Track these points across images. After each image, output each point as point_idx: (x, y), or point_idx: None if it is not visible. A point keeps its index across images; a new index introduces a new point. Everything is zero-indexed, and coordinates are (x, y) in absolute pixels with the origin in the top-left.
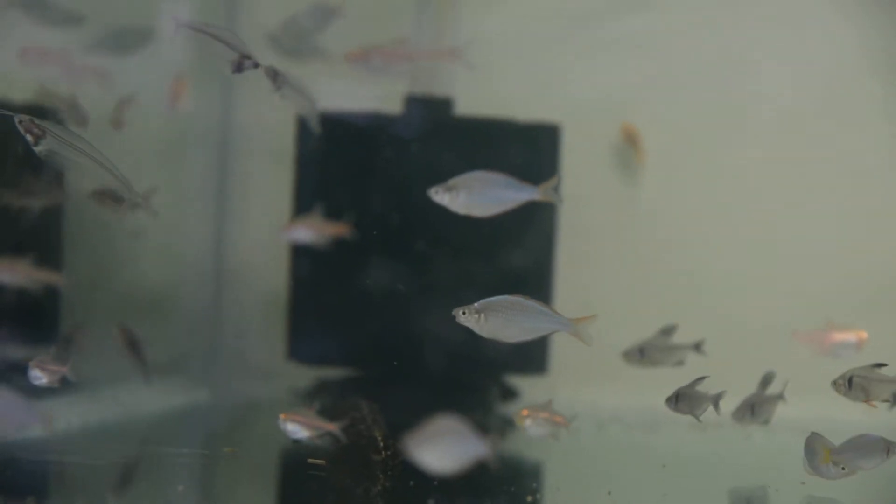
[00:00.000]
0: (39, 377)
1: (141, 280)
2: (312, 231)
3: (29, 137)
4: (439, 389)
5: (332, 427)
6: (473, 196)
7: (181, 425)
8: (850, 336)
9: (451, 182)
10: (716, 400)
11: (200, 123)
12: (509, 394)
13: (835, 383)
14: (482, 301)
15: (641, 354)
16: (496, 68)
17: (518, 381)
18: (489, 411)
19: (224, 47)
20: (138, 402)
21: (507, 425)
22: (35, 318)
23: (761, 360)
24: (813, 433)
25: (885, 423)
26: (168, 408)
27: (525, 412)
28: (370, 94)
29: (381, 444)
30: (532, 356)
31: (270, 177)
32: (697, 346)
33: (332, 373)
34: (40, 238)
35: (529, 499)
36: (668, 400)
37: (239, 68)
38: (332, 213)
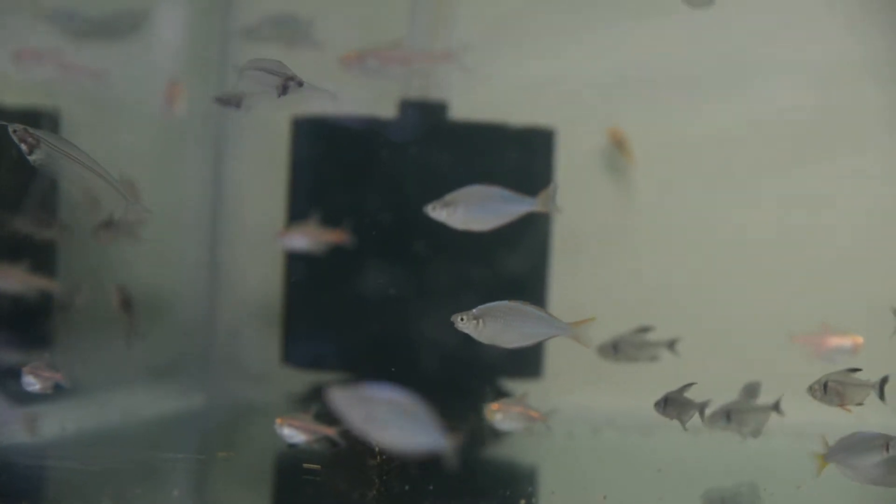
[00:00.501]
0: (33, 383)
1: (136, 284)
2: (309, 238)
3: (23, 147)
4: (433, 393)
5: (331, 431)
6: (471, 210)
7: (176, 429)
8: (845, 341)
9: (448, 197)
10: (701, 408)
11: (195, 126)
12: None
13: (811, 388)
14: (480, 307)
15: (615, 350)
16: (491, 72)
17: (513, 385)
18: (483, 416)
19: (267, 75)
20: (133, 407)
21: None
22: (29, 323)
23: (757, 365)
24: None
25: (885, 426)
26: (163, 412)
27: (496, 406)
28: (365, 99)
29: (377, 449)
30: (527, 360)
31: (265, 180)
32: (671, 344)
33: (327, 377)
34: (34, 243)
35: (523, 502)
36: (657, 404)
37: (285, 91)
38: (327, 217)
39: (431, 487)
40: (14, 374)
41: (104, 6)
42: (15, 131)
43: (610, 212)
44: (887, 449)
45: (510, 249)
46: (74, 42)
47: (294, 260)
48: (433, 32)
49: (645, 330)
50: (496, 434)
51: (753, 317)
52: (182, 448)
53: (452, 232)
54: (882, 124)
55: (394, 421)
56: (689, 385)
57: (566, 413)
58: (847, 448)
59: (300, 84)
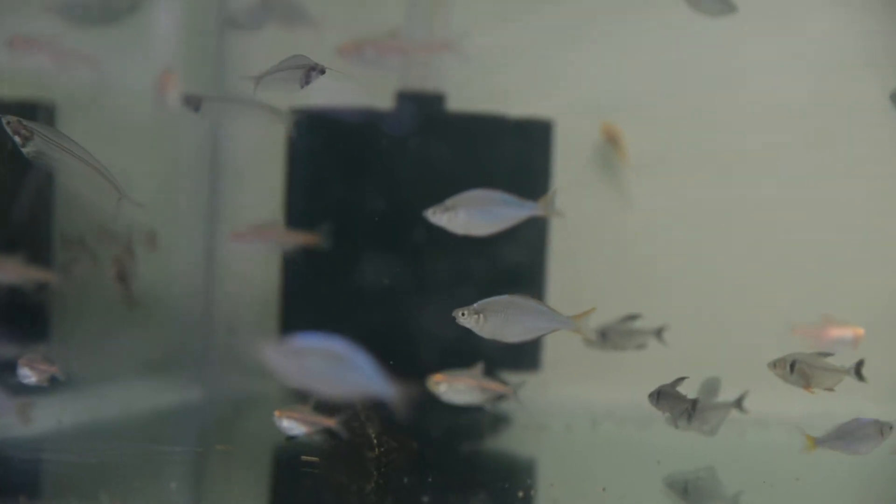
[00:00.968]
0: (29, 376)
1: (134, 278)
2: (264, 242)
3: (17, 139)
4: None
5: (331, 423)
6: (472, 215)
7: (174, 423)
8: (846, 332)
9: (449, 202)
10: (692, 405)
11: (191, 119)
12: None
13: (773, 364)
14: (481, 301)
15: (603, 337)
16: (488, 62)
17: (511, 378)
18: (481, 407)
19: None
20: (131, 400)
21: (500, 422)
22: (25, 315)
23: (755, 358)
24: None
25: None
26: (161, 405)
27: (439, 377)
28: (361, 90)
29: (375, 442)
30: (525, 353)
31: (262, 172)
32: (658, 332)
33: None
34: (31, 235)
35: (521, 494)
36: (651, 396)
37: (307, 80)
38: (324, 209)
39: (430, 479)
40: (10, 366)
41: None
42: (9, 123)
43: (608, 202)
44: (882, 435)
45: (509, 242)
46: (71, 29)
47: (292, 253)
48: (430, 21)
49: (632, 318)
50: (495, 427)
51: (753, 308)
52: (180, 441)
53: None
54: (881, 115)
55: (330, 371)
56: (682, 379)
57: (565, 405)
58: (843, 436)
59: (322, 72)
